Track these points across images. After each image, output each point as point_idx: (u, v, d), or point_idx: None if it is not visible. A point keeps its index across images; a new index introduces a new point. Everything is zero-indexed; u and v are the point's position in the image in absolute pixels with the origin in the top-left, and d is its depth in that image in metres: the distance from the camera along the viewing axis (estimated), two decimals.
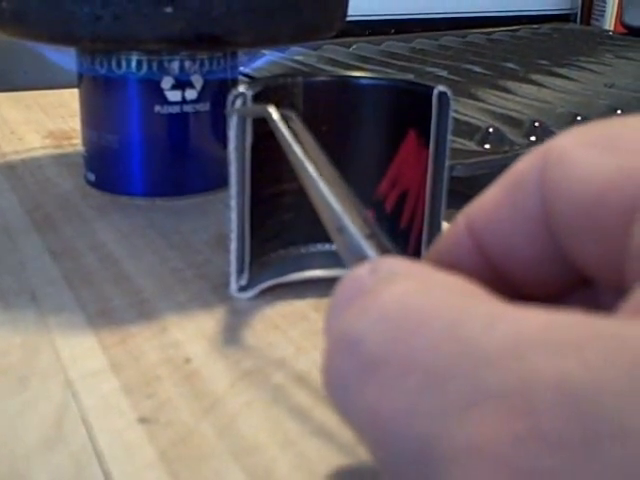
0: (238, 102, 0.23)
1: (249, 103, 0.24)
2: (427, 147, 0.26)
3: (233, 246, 0.24)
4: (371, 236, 0.17)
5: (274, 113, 0.21)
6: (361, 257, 0.16)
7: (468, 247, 0.16)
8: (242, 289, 0.25)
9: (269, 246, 0.26)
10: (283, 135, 0.21)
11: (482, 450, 0.10)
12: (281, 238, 0.27)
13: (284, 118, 0.21)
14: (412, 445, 0.11)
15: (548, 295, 0.16)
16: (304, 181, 0.19)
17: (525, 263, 0.15)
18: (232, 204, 0.24)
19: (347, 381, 0.13)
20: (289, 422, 0.19)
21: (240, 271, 0.25)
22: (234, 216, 0.24)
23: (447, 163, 0.25)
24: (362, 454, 0.18)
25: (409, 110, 0.26)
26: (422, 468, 0.11)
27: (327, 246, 0.27)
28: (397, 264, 0.14)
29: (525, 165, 0.15)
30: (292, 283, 0.26)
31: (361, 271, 0.14)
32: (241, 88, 0.23)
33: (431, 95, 0.25)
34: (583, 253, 0.14)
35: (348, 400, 0.13)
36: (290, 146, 0.20)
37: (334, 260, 0.27)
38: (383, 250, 0.17)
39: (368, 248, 0.17)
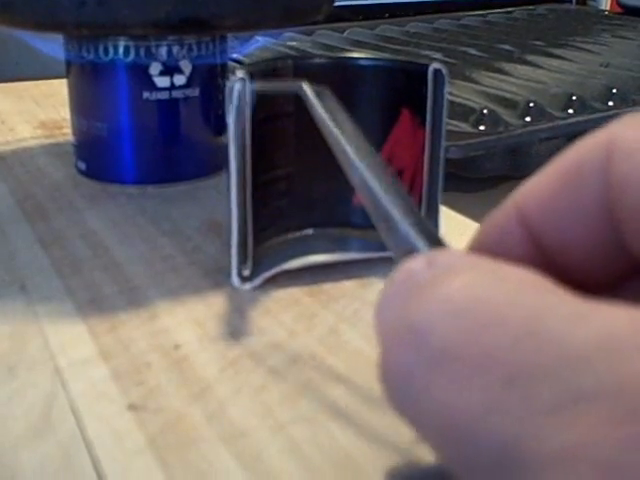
0: (237, 86, 0.23)
1: (248, 87, 0.23)
2: (422, 126, 0.25)
3: (234, 237, 0.24)
4: (419, 224, 0.16)
5: (308, 90, 0.20)
6: (411, 249, 0.15)
7: (519, 236, 0.15)
8: (245, 280, 0.24)
9: (265, 234, 0.26)
10: (320, 115, 0.19)
11: (580, 455, 0.10)
12: (276, 225, 0.27)
13: (318, 94, 0.20)
14: (492, 446, 0.10)
15: (601, 284, 0.15)
16: (344, 165, 0.18)
17: (582, 252, 0.14)
18: (232, 193, 0.23)
19: (412, 377, 0.12)
20: (279, 407, 0.19)
21: (242, 262, 0.24)
22: (234, 206, 0.23)
23: (443, 141, 0.25)
24: (351, 439, 0.17)
25: (403, 89, 0.26)
26: (504, 472, 0.10)
27: (320, 230, 0.27)
28: (456, 258, 0.13)
29: (584, 155, 0.14)
30: None
31: (416, 264, 0.13)
32: (239, 73, 0.23)
33: (425, 74, 0.25)
34: None
35: (412, 398, 0.12)
36: (328, 127, 0.19)
37: (332, 244, 0.27)
38: (433, 241, 0.15)
39: (418, 239, 0.15)
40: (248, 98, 0.23)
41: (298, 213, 0.27)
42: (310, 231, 0.27)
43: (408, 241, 0.15)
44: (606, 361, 0.10)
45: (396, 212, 0.16)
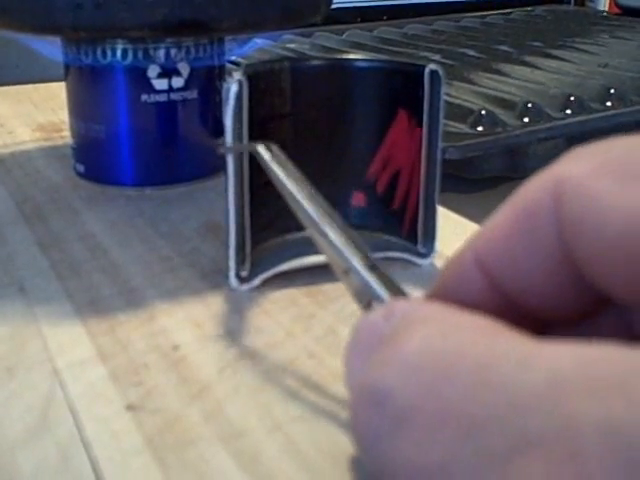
0: (234, 87, 0.23)
1: (245, 88, 0.23)
2: (419, 127, 0.25)
3: (232, 239, 0.24)
4: (378, 273, 0.17)
5: (264, 152, 0.21)
6: (371, 297, 0.16)
7: (478, 281, 0.15)
8: (243, 281, 0.24)
9: (264, 235, 0.26)
10: (276, 175, 0.20)
11: None
12: (275, 226, 0.27)
13: (273, 154, 0.21)
14: None
15: (567, 320, 0.15)
16: (304, 221, 0.19)
17: (542, 292, 0.15)
18: (230, 195, 0.23)
19: (379, 437, 0.12)
20: (277, 407, 0.19)
21: (240, 263, 0.24)
22: (232, 207, 0.23)
23: (440, 141, 0.25)
24: (348, 440, 0.18)
25: (399, 90, 0.26)
26: None
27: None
28: (411, 307, 0.14)
29: (534, 195, 0.14)
30: None
31: (375, 317, 0.14)
32: (236, 75, 0.23)
33: (421, 74, 0.25)
34: (611, 279, 0.13)
35: (382, 455, 0.12)
36: (285, 186, 0.20)
37: None
38: (391, 289, 0.16)
39: (378, 287, 0.16)
40: (245, 99, 0.23)
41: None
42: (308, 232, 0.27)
43: (369, 290, 0.17)
44: (548, 404, 0.10)
45: (355, 261, 0.17)
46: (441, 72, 0.25)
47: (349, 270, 0.17)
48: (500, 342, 0.12)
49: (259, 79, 0.24)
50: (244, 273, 0.24)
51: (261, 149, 0.21)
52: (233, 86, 0.23)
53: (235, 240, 0.24)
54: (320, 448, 0.17)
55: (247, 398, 0.19)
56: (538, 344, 0.11)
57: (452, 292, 0.16)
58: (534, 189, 0.14)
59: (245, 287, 0.24)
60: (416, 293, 0.24)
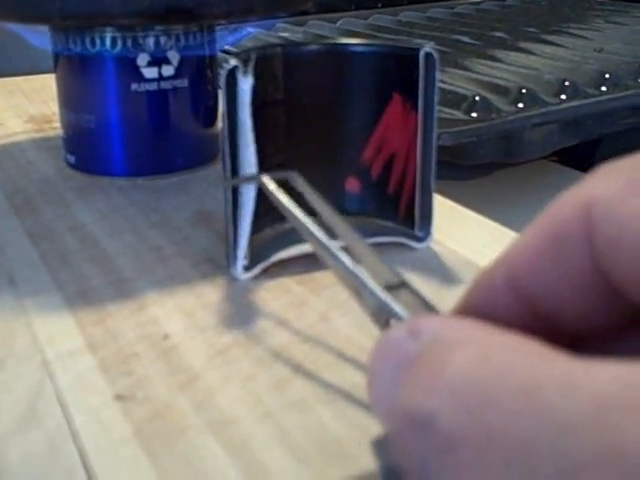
0: (230, 73, 0.23)
1: (241, 75, 0.23)
2: (414, 110, 0.25)
3: (244, 227, 0.24)
4: (397, 287, 0.16)
5: (268, 182, 0.21)
6: (388, 314, 0.16)
7: (509, 298, 0.15)
8: (246, 269, 0.24)
9: (259, 224, 0.26)
10: (281, 203, 0.20)
11: None
12: (270, 215, 0.26)
13: (280, 184, 0.21)
14: None
15: (597, 335, 0.15)
16: (315, 248, 0.19)
17: (574, 309, 0.15)
18: (226, 187, 0.23)
19: (427, 464, 0.12)
20: (267, 395, 0.19)
21: (242, 251, 0.24)
22: (229, 199, 0.23)
23: (436, 124, 0.25)
24: (338, 427, 0.17)
25: (393, 74, 0.26)
26: None
27: (314, 218, 0.27)
28: (443, 325, 0.13)
29: (564, 216, 0.14)
30: None
31: (399, 333, 0.14)
32: (232, 61, 0.23)
33: (416, 58, 0.25)
34: None
35: None
36: (291, 213, 0.19)
37: (326, 231, 0.26)
38: (415, 302, 0.16)
39: (393, 303, 0.16)
40: (243, 85, 0.23)
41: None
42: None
43: (385, 308, 0.16)
44: (599, 428, 0.10)
45: (369, 281, 0.16)
46: (435, 54, 0.25)
47: (362, 290, 0.17)
48: (543, 364, 0.12)
49: (252, 65, 0.24)
50: (245, 262, 0.24)
51: (266, 180, 0.21)
52: (229, 72, 0.23)
53: (240, 230, 0.24)
54: (310, 436, 0.17)
55: (237, 387, 0.19)
56: (583, 365, 0.11)
57: (481, 308, 0.15)
58: (564, 209, 0.14)
59: (247, 275, 0.24)
60: (414, 276, 0.24)
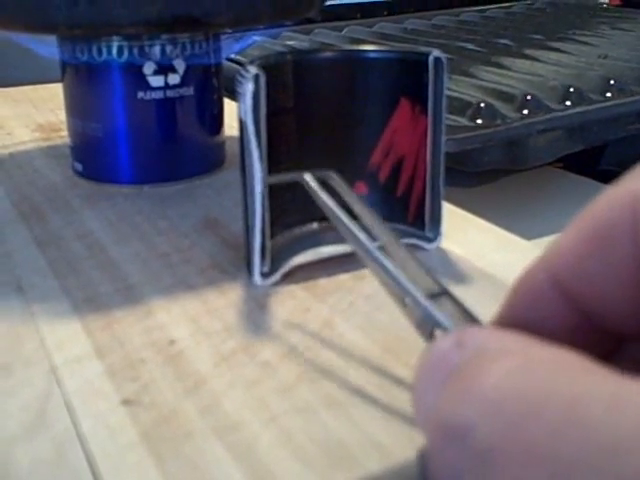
0: (251, 82, 0.23)
1: (263, 82, 0.23)
2: (423, 114, 0.26)
3: (257, 234, 0.24)
4: (438, 296, 0.16)
5: (311, 181, 0.21)
6: (433, 323, 0.16)
7: (554, 300, 0.15)
8: (265, 276, 0.25)
9: (273, 231, 0.26)
10: (324, 203, 0.20)
11: None
12: (282, 221, 0.27)
13: (321, 182, 0.21)
14: None
15: None
16: (356, 251, 0.18)
17: (621, 308, 0.14)
18: (257, 190, 0.23)
19: (460, 475, 0.12)
20: (272, 399, 0.19)
21: (262, 258, 0.24)
22: (258, 203, 0.23)
23: (444, 126, 0.26)
24: (343, 431, 0.17)
25: (402, 79, 0.27)
26: None
27: (325, 224, 0.27)
28: (485, 336, 0.13)
29: (609, 213, 0.14)
30: None
31: (445, 345, 0.13)
32: (252, 68, 0.23)
33: (424, 63, 0.25)
34: None
35: None
36: (334, 214, 0.19)
37: (338, 236, 0.27)
38: (460, 314, 0.16)
39: (440, 314, 0.16)
40: (262, 93, 0.23)
41: (300, 207, 0.27)
42: (314, 225, 0.27)
43: (431, 318, 0.16)
44: None
45: (414, 290, 0.16)
46: (444, 59, 0.25)
47: (408, 300, 0.16)
48: (588, 379, 0.11)
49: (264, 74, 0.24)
50: (265, 268, 0.24)
51: (308, 178, 0.21)
52: (250, 80, 0.23)
53: (260, 235, 0.24)
54: (314, 440, 0.17)
55: (243, 391, 0.19)
56: (628, 381, 0.11)
57: (525, 313, 0.15)
58: (608, 206, 0.14)
59: (267, 282, 0.25)
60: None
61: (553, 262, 0.15)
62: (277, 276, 0.25)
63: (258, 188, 0.23)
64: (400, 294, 0.17)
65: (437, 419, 0.12)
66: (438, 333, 0.16)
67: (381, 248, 0.18)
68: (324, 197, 0.20)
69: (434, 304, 0.16)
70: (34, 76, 0.56)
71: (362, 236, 0.18)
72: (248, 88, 0.23)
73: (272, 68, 0.25)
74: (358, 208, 0.20)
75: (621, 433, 0.10)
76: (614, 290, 0.14)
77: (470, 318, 0.16)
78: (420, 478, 0.13)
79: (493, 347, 0.13)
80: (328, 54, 0.27)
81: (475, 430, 0.12)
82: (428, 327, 0.16)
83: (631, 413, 0.10)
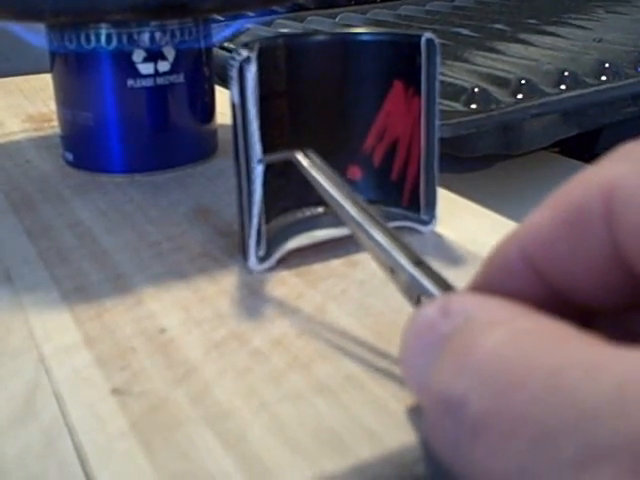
0: (245, 65, 0.23)
1: (254, 65, 0.23)
2: (416, 96, 0.26)
3: (255, 217, 0.24)
4: (424, 268, 0.17)
5: (303, 160, 0.22)
6: (420, 291, 0.17)
7: (524, 273, 0.15)
8: (261, 260, 0.24)
9: (267, 215, 0.26)
10: (317, 180, 0.21)
11: None
12: (276, 205, 0.26)
13: (312, 161, 0.22)
14: None
15: (613, 311, 0.15)
16: (347, 223, 0.20)
17: (590, 286, 0.15)
18: (256, 172, 0.23)
19: (458, 444, 0.12)
20: (264, 387, 0.18)
21: (258, 241, 0.24)
22: (258, 184, 0.23)
23: (438, 108, 0.26)
24: (334, 418, 0.17)
25: (394, 62, 0.26)
26: None
27: (319, 208, 0.27)
28: (470, 304, 0.14)
29: (581, 198, 0.14)
30: None
31: (431, 312, 0.14)
32: (244, 52, 0.23)
33: (416, 45, 0.25)
34: None
35: (462, 461, 0.12)
36: (327, 191, 0.21)
37: (333, 221, 0.26)
38: (440, 283, 0.17)
39: (426, 282, 0.17)
40: (255, 76, 0.23)
41: (294, 193, 0.26)
42: (309, 210, 0.27)
43: (417, 285, 0.17)
44: (619, 414, 0.10)
45: (402, 259, 0.17)
46: (436, 40, 0.25)
47: (396, 268, 0.18)
48: (570, 347, 0.12)
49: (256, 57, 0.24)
50: (261, 252, 0.24)
51: (300, 157, 0.22)
52: (244, 64, 0.22)
53: (257, 222, 0.24)
54: (306, 427, 0.17)
55: (234, 379, 0.19)
56: (608, 349, 0.11)
57: (496, 284, 0.16)
58: (581, 191, 0.14)
59: (263, 267, 0.24)
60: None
61: (526, 239, 0.15)
62: (272, 261, 0.25)
63: (259, 169, 0.23)
64: (389, 263, 0.18)
65: (434, 390, 0.13)
66: (424, 299, 0.16)
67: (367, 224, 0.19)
68: (315, 174, 0.21)
69: (424, 275, 0.17)
70: (25, 67, 0.56)
71: (353, 211, 0.19)
72: (248, 69, 0.22)
73: (264, 51, 0.25)
74: (336, 185, 0.20)
75: (594, 399, 0.10)
76: (585, 272, 0.15)
77: (446, 286, 0.17)
78: (417, 431, 0.15)
79: (480, 317, 0.13)
80: (320, 37, 0.27)
81: (469, 402, 0.12)
82: (415, 293, 0.17)
83: (605, 379, 0.11)
